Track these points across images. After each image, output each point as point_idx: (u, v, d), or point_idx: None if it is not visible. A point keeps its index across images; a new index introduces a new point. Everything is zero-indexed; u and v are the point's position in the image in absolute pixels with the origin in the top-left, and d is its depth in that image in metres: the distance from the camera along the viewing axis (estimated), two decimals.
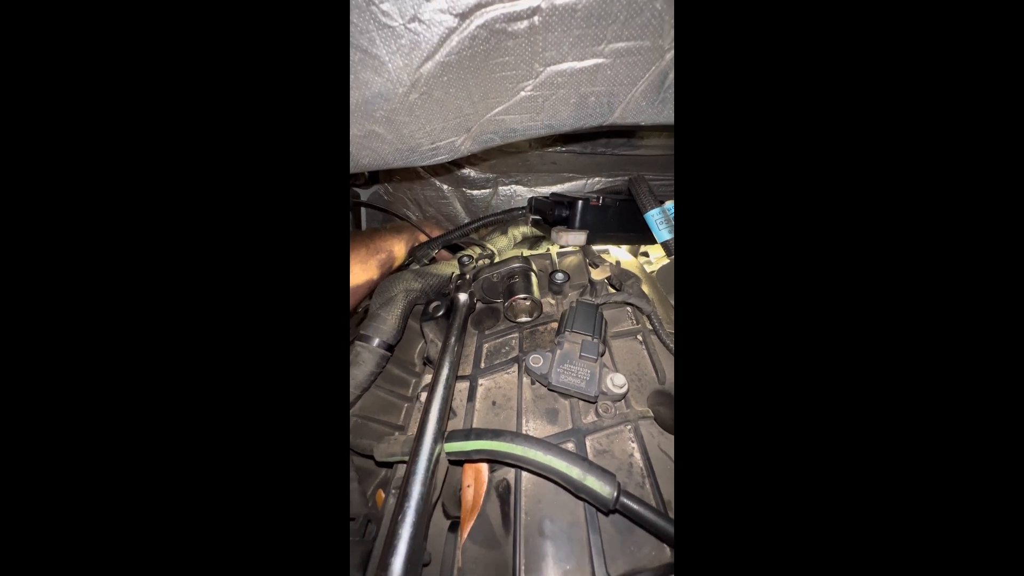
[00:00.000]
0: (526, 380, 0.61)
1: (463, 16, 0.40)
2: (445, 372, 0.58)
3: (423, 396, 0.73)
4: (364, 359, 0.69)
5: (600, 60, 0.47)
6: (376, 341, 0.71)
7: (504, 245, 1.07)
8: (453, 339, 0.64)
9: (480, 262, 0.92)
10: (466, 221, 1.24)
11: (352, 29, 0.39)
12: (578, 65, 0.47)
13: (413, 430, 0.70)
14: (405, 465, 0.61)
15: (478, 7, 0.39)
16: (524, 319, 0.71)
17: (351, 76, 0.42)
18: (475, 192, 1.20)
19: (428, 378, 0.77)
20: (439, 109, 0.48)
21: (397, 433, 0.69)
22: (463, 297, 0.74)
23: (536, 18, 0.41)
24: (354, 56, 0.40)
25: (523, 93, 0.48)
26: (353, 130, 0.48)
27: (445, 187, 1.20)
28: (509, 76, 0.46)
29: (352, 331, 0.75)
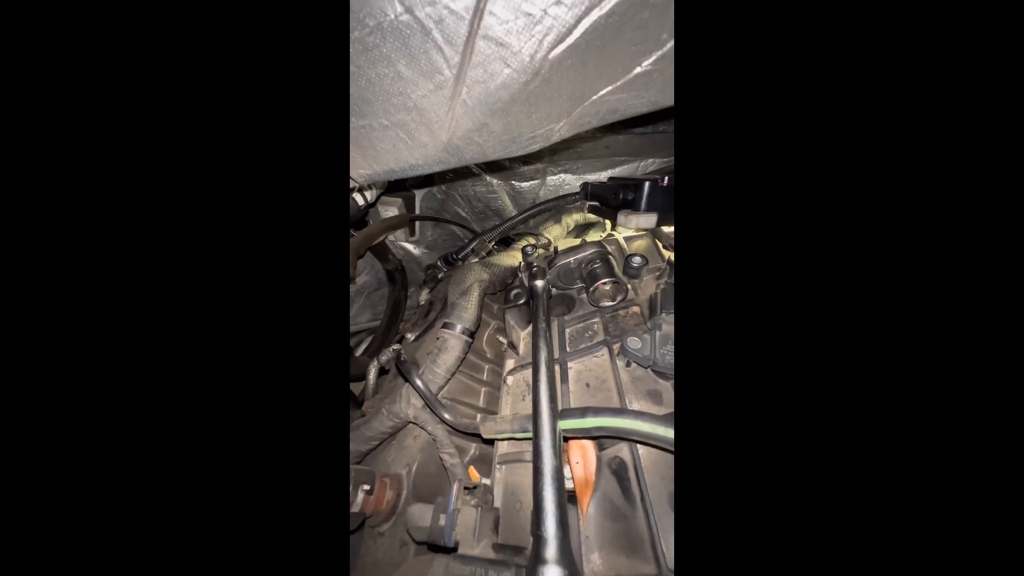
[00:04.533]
0: (620, 362, 0.62)
1: None
2: (544, 353, 0.58)
3: (509, 379, 0.74)
4: (451, 345, 0.70)
5: None
6: (459, 328, 0.72)
7: (558, 233, 1.07)
8: (543, 323, 0.65)
9: (540, 251, 0.93)
10: (513, 214, 1.25)
11: (492, 20, 0.39)
12: None
13: (504, 410, 0.71)
14: (508, 442, 0.63)
15: None
16: (607, 303, 0.71)
17: (481, 70, 0.42)
18: (523, 184, 1.21)
19: (510, 363, 0.78)
20: (553, 95, 0.48)
21: (478, 415, 0.70)
22: (540, 284, 0.75)
23: None
24: (487, 48, 0.40)
25: (638, 70, 0.48)
26: (467, 123, 0.48)
27: (495, 181, 1.21)
28: (631, 51, 0.46)
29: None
